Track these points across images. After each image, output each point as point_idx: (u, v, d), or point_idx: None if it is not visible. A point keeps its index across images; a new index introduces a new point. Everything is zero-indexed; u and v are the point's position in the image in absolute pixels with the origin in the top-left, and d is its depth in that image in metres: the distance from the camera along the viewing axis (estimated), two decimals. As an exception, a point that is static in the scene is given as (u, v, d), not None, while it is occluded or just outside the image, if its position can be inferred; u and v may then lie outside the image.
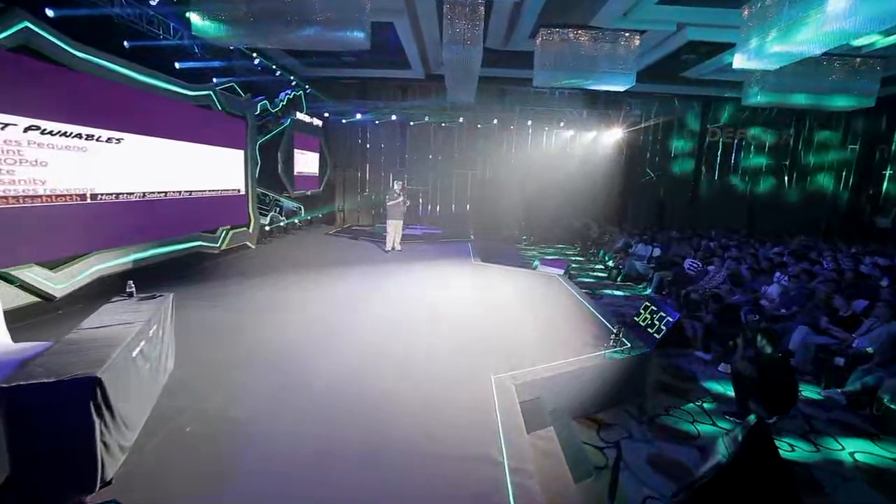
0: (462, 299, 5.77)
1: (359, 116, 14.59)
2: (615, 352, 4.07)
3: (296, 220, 11.61)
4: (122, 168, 5.46)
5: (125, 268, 5.50)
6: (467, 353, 3.92)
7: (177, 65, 7.82)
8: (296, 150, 11.68)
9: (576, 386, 3.69)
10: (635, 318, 6.38)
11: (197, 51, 8.30)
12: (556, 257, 11.86)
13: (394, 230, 9.13)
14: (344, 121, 14.79)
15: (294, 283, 6.24)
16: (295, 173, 11.70)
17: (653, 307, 6.15)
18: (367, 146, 15.79)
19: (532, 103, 14.90)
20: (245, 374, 3.46)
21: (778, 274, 7.03)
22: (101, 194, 5.14)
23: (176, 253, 6.59)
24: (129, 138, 5.54)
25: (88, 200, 4.95)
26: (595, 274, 10.31)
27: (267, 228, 9.75)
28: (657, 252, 9.83)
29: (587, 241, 13.33)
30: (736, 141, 15.15)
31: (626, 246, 11.06)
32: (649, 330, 5.91)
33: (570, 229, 15.21)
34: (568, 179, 15.41)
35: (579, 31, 10.03)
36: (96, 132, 5.01)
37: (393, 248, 9.16)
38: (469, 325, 4.69)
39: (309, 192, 12.82)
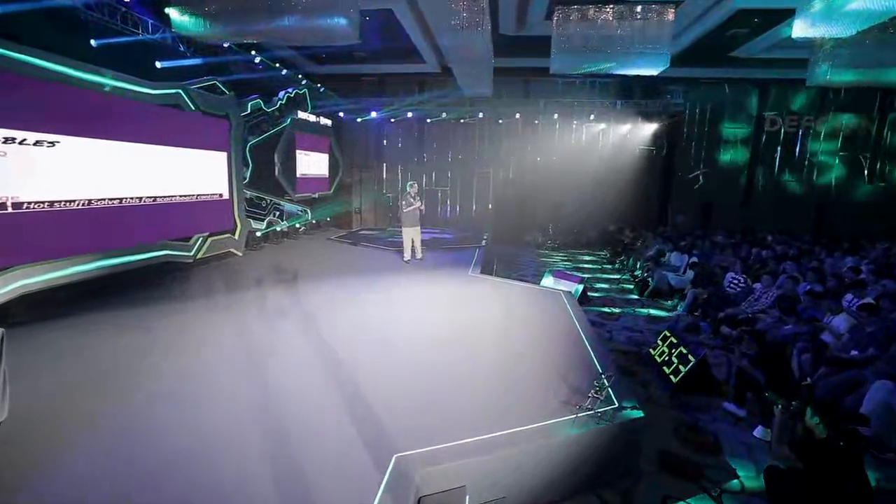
0: (427, 329, 4.76)
1: (374, 115, 13.96)
2: (592, 416, 2.96)
3: (297, 224, 11.10)
4: (59, 173, 5.01)
5: (63, 282, 5.06)
6: (384, 417, 2.94)
7: (158, 64, 7.47)
8: (299, 151, 11.19)
9: (523, 467, 2.65)
10: (650, 351, 5.15)
11: (182, 49, 7.93)
12: (572, 268, 10.58)
13: (411, 238, 8.31)
14: (359, 120, 14.23)
15: (244, 303, 5.55)
16: (298, 175, 11.21)
17: (672, 339, 4.90)
18: (385, 145, 15.16)
19: (558, 95, 13.57)
20: (81, 440, 2.70)
21: (849, 297, 5.48)
22: (28, 203, 4.69)
23: (136, 263, 6.13)
24: (68, 141, 5.09)
25: (10, 210, 4.51)
26: (621, 286, 8.94)
27: (258, 234, 9.27)
28: (694, 262, 8.31)
29: (617, 247, 11.86)
30: (801, 130, 12.98)
31: (658, 254, 9.58)
32: (665, 369, 4.68)
33: (602, 233, 13.76)
34: (600, 178, 13.96)
35: (601, 7, 8.74)
36: (19, 135, 4.56)
37: (413, 257, 8.36)
38: (410, 372, 3.67)
39: (316, 195, 12.32)
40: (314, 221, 12.05)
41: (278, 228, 10.20)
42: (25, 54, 4.60)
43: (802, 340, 4.73)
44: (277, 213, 10.40)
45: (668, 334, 5.04)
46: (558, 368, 3.76)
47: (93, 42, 6.40)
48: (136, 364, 3.77)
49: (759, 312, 5.69)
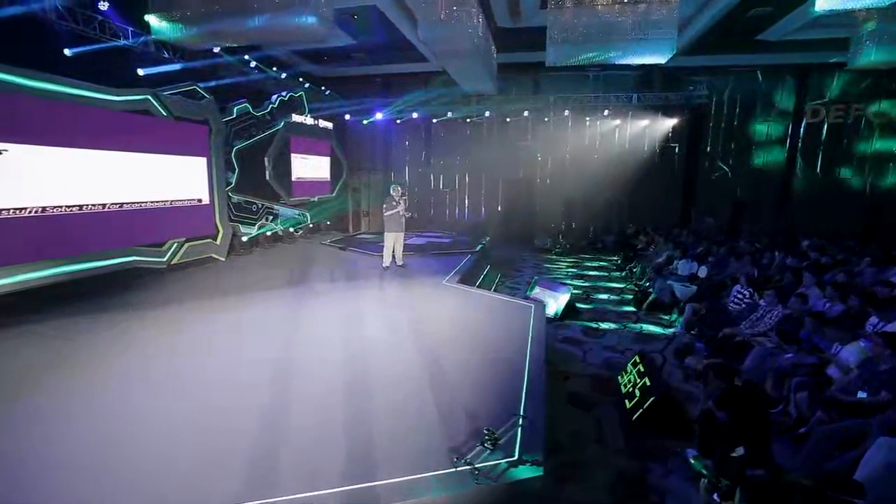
0: (348, 350, 4.27)
1: (379, 116, 13.75)
2: (470, 472, 2.41)
3: (292, 228, 11.01)
4: (6, 182, 5.01)
5: (11, 289, 5.06)
6: (217, 461, 2.53)
7: (140, 71, 7.53)
8: (295, 155, 11.11)
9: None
10: (618, 378, 4.46)
11: (167, 55, 7.97)
12: (575, 275, 9.81)
13: (392, 243, 7.90)
14: (365, 122, 14.09)
15: (184, 314, 5.31)
16: (293, 178, 11.15)
17: (641, 366, 4.20)
18: (391, 146, 14.95)
19: (571, 90, 12.75)
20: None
21: (874, 319, 4.51)
22: (-31, 211, 4.72)
23: (100, 269, 6.12)
24: (15, 149, 5.09)
25: (-53, 218, 4.53)
26: (622, 297, 8.10)
27: (244, 239, 9.19)
28: (703, 271, 7.38)
29: (629, 252, 10.92)
30: (849, 120, 11.43)
31: (668, 261, 8.64)
32: (627, 402, 4.00)
33: (619, 237, 12.81)
34: (616, 178, 13.02)
35: (598, -9, 8.01)
36: (-43, 143, 4.58)
37: (394, 263, 7.96)
38: (289, 405, 3.21)
39: (315, 198, 12.23)
40: (311, 225, 11.93)
41: (269, 233, 10.12)
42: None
43: (802, 374, 3.91)
44: (271, 217, 10.34)
45: (639, 360, 4.33)
46: (472, 403, 3.21)
47: (67, 52, 6.54)
48: (32, 376, 3.61)
49: (758, 335, 4.83)
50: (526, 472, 2.45)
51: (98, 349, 4.25)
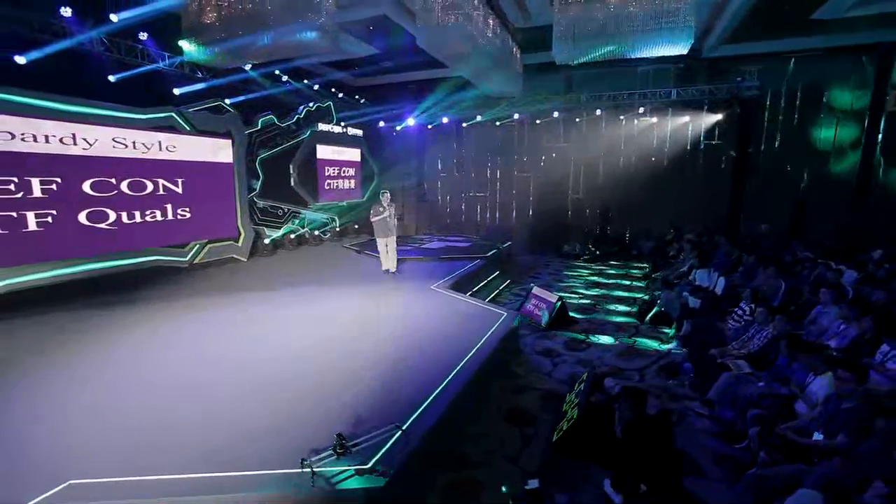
0: (283, 350, 4.41)
1: (411, 122, 14.08)
2: (302, 475, 2.41)
3: (317, 231, 11.61)
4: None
5: (44, 283, 5.95)
6: (110, 444, 2.81)
7: (175, 91, 8.48)
8: (322, 161, 11.72)
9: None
10: (568, 394, 4.17)
11: (201, 74, 8.86)
12: (594, 283, 9.29)
13: (384, 247, 8.12)
14: (398, 128, 14.50)
15: (167, 312, 5.71)
16: (321, 184, 11.76)
17: (583, 385, 3.91)
18: (423, 151, 15.21)
19: (603, 87, 12.05)
20: None
21: (885, 347, 3.79)
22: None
23: (119, 268, 6.91)
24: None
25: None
26: (632, 308, 7.52)
27: (266, 242, 9.88)
28: (720, 284, 6.61)
29: (660, 259, 10.07)
30: (946, 107, 9.55)
31: (690, 271, 7.86)
32: (560, 421, 3.74)
33: (659, 243, 11.85)
34: (655, 181, 12.10)
35: (606, -18, 7.58)
36: None
37: (388, 269, 8.14)
38: (196, 396, 3.43)
39: (344, 203, 12.79)
40: (338, 228, 12.48)
41: (293, 235, 10.77)
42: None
43: (766, 406, 3.39)
44: (296, 221, 11.01)
45: (584, 378, 4.03)
46: (364, 408, 3.20)
47: (111, 78, 7.54)
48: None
49: (742, 357, 4.24)
50: (368, 481, 2.41)
51: (78, 338, 4.83)
